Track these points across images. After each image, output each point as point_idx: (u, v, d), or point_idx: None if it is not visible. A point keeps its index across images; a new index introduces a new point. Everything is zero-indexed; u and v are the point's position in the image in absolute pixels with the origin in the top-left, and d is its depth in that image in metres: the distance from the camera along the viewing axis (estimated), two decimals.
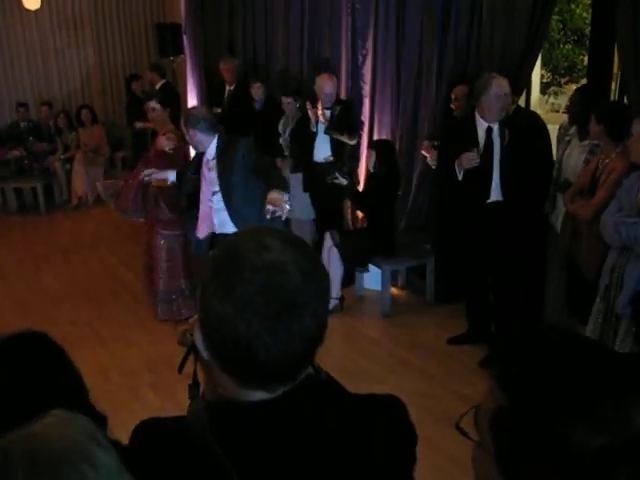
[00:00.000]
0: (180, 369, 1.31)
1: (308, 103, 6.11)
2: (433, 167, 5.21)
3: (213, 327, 1.03)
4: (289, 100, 6.44)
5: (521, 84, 4.92)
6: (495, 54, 4.93)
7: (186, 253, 5.44)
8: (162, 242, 5.40)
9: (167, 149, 5.19)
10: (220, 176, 4.46)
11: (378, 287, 5.61)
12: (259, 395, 1.07)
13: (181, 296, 5.48)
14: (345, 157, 6.08)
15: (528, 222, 4.45)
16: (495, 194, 4.41)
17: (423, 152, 5.40)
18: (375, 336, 5.24)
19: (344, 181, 5.62)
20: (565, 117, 4.90)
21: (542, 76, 6.46)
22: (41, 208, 9.25)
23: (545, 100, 11.74)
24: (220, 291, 1.01)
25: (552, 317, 4.72)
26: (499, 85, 4.26)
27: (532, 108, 5.56)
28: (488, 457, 0.98)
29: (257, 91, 7.07)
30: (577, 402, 0.87)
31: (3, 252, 7.59)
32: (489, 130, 4.37)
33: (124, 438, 1.32)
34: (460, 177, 4.40)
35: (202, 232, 4.74)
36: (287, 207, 4.03)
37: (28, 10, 9.04)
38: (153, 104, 5.34)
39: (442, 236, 5.43)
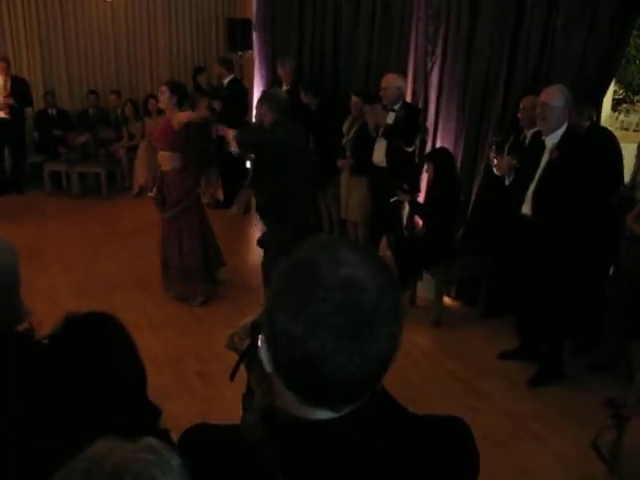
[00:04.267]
0: (232, 377, 1.27)
1: (366, 106, 6.07)
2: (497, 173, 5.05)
3: (281, 344, 0.98)
4: (357, 100, 6.39)
5: (596, 100, 4.78)
6: (569, 68, 4.82)
7: (198, 233, 5.70)
8: (172, 224, 5.65)
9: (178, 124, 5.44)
10: (255, 158, 4.69)
11: (431, 295, 5.54)
12: (325, 414, 1.02)
13: (197, 276, 5.74)
14: (401, 164, 6.01)
15: (570, 241, 4.26)
16: (526, 207, 4.39)
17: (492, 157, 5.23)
18: (424, 345, 5.18)
19: (406, 198, 5.59)
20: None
21: (614, 92, 6.25)
22: (103, 193, 9.46)
23: (615, 117, 11.42)
24: (290, 307, 0.96)
25: (610, 339, 4.60)
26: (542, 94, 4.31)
27: (601, 124, 5.41)
28: None
29: (305, 98, 7.05)
30: None
31: (64, 234, 7.80)
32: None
33: (169, 426, 1.32)
34: (507, 182, 4.63)
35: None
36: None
37: (105, 1, 9.26)
38: (163, 88, 5.57)
39: (492, 246, 5.33)
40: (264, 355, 1.03)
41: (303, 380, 0.99)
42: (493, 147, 5.08)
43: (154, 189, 5.87)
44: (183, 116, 5.47)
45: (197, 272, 5.73)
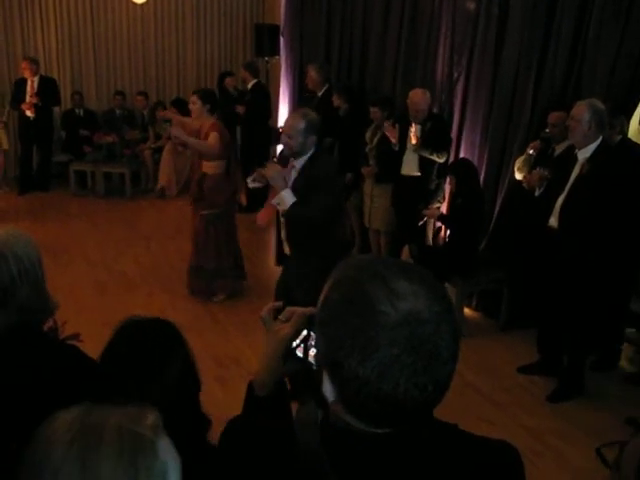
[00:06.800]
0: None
1: (386, 122, 6.06)
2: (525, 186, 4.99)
3: (352, 386, 0.97)
4: (375, 109, 6.39)
5: (627, 113, 4.74)
6: (599, 80, 4.78)
7: (222, 235, 5.76)
8: (200, 222, 5.71)
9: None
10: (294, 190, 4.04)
11: None
12: (384, 429, 1.03)
13: (216, 274, 5.83)
14: (433, 174, 6.00)
15: (596, 254, 4.21)
16: (553, 219, 4.37)
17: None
18: None
19: (435, 214, 5.62)
20: None
21: None
22: (127, 194, 9.53)
23: None
24: (358, 353, 0.95)
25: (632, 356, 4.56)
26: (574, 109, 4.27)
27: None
28: None
29: (336, 100, 7.04)
30: None
31: (87, 233, 7.86)
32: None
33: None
34: (537, 193, 4.55)
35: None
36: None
37: (135, 3, 9.36)
38: (194, 98, 5.60)
39: (515, 258, 5.29)
40: (327, 388, 1.04)
41: (371, 413, 0.99)
42: (527, 154, 5.04)
43: (192, 188, 5.92)
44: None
45: (229, 269, 5.85)
